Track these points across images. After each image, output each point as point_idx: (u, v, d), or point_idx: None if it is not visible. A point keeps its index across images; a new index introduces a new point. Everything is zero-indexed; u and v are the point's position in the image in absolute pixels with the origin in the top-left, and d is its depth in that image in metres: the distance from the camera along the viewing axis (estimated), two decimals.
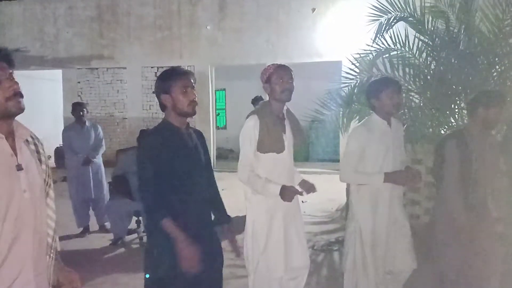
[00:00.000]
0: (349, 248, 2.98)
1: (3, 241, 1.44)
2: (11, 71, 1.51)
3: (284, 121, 2.76)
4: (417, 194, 5.23)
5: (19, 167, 1.49)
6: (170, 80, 2.20)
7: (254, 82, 12.14)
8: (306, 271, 2.88)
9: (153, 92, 10.44)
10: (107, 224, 5.36)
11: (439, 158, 3.03)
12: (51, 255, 1.63)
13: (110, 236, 5.10)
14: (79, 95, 11.12)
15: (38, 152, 1.62)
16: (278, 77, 2.68)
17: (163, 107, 2.27)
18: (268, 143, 2.66)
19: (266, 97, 6.69)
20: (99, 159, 5.54)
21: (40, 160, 1.61)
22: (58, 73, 11.45)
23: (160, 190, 2.14)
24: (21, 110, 1.51)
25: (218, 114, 13.44)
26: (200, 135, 2.43)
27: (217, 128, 12.47)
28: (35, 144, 1.63)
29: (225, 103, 14.08)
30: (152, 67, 10.81)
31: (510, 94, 4.84)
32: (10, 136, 1.53)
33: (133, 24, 10.94)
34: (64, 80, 11.38)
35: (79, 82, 11.26)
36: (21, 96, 1.51)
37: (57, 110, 11.57)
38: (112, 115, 11.19)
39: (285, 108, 2.80)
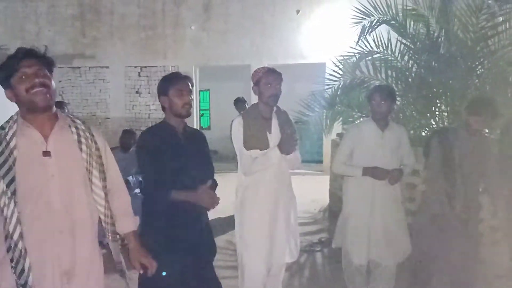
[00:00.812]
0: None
1: (26, 219, 1.66)
2: (39, 67, 1.74)
3: (270, 121, 2.88)
4: (414, 191, 5.26)
5: (46, 154, 1.72)
6: (168, 83, 2.45)
7: (239, 83, 12.16)
8: (283, 267, 3.05)
9: (136, 92, 10.27)
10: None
11: (427, 153, 3.29)
12: (112, 238, 1.93)
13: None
14: (60, 94, 10.94)
15: (79, 141, 1.82)
16: (267, 82, 2.80)
17: (163, 108, 2.50)
18: (251, 140, 2.80)
19: (248, 99, 6.73)
20: None
21: (80, 148, 1.81)
22: None
23: (158, 178, 2.36)
24: (44, 101, 1.73)
25: (202, 114, 13.39)
26: (199, 136, 2.65)
27: (201, 128, 12.43)
28: (78, 134, 1.83)
29: (209, 104, 14.03)
30: (135, 67, 10.72)
31: (491, 94, 4.94)
32: (48, 126, 1.77)
33: (116, 23, 10.82)
34: None
35: (60, 81, 11.08)
36: (45, 87, 1.73)
37: None
38: (95, 114, 11.06)
39: (275, 109, 2.92)
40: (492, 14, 4.87)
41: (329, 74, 5.97)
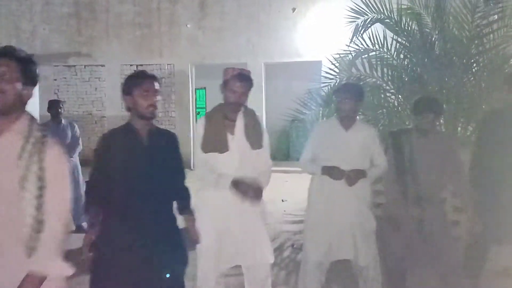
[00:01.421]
0: None
1: None
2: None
3: (235, 122, 2.75)
4: None
5: None
6: (133, 82, 2.31)
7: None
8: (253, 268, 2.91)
9: None
10: (84, 224, 5.29)
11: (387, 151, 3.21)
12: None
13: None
14: (55, 93, 10.91)
15: (20, 153, 1.63)
16: (232, 88, 2.66)
17: (128, 108, 2.36)
18: (209, 142, 2.71)
19: (249, 96, 6.63)
20: (75, 158, 5.45)
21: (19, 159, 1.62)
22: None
23: (90, 191, 2.26)
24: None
25: (199, 113, 13.38)
26: (169, 139, 2.45)
27: None
28: (22, 147, 1.66)
29: (206, 102, 14.02)
30: (131, 65, 10.69)
31: (486, 93, 4.97)
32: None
33: (112, 21, 10.79)
34: (40, 78, 11.10)
35: (55, 80, 11.05)
36: None
37: (33, 108, 11.30)
38: (90, 113, 11.03)
39: (242, 109, 2.78)
40: (487, 12, 4.89)
41: (325, 72, 5.97)
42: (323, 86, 5.85)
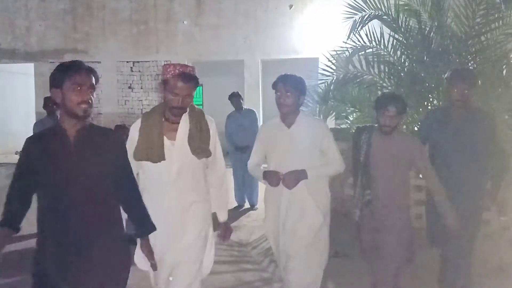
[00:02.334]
0: None
1: None
2: None
3: (177, 125, 2.36)
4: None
5: None
6: (64, 73, 1.91)
7: (232, 78, 12.15)
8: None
9: (129, 87, 10.17)
10: None
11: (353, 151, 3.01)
12: None
13: None
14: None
15: None
16: (172, 90, 2.26)
17: (54, 103, 2.09)
18: (142, 149, 2.31)
19: (242, 94, 6.58)
20: None
21: None
22: (30, 67, 11.17)
23: (18, 197, 1.98)
24: None
25: None
26: (109, 140, 2.08)
27: None
28: None
29: (202, 99, 14.01)
30: (127, 62, 10.66)
31: (482, 91, 4.98)
32: None
33: (108, 18, 10.75)
34: (36, 74, 11.11)
35: None
36: None
37: (29, 105, 11.29)
38: None
39: (187, 109, 2.39)
40: (489, 9, 4.89)
41: (322, 69, 5.97)
42: (320, 83, 5.85)
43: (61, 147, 1.94)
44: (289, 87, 2.70)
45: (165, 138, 2.33)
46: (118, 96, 10.78)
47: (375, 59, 5.46)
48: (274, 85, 2.79)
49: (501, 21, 4.96)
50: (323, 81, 5.79)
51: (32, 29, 11.01)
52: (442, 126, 2.97)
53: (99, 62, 10.81)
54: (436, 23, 5.22)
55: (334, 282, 3.58)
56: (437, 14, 5.21)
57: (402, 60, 5.48)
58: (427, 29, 5.26)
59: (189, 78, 2.27)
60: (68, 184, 1.92)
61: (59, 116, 2.02)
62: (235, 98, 6.11)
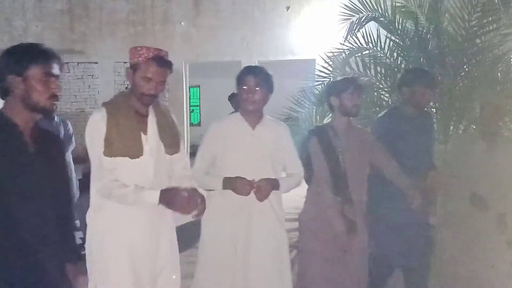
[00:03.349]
0: None
1: None
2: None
3: (147, 118, 2.13)
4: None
5: None
6: (29, 59, 1.61)
7: (229, 79, 12.16)
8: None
9: (126, 88, 10.17)
10: (77, 222, 5.26)
11: (306, 156, 2.72)
12: None
13: (80, 234, 5.00)
14: None
15: None
16: (145, 75, 2.04)
17: (3, 92, 1.64)
18: (117, 144, 2.01)
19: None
20: (68, 156, 5.42)
21: None
22: None
23: None
24: None
25: (193, 111, 13.37)
26: (54, 136, 1.88)
27: (191, 125, 12.39)
28: None
29: (200, 100, 14.00)
30: (125, 63, 10.62)
31: (479, 92, 5.00)
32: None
33: (105, 18, 10.73)
34: None
35: None
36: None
37: None
38: (83, 110, 10.96)
39: (153, 103, 2.17)
40: (485, 11, 4.91)
41: (319, 70, 5.98)
42: (317, 85, 5.86)
43: (16, 147, 1.62)
44: (259, 81, 2.36)
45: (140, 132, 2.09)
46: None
47: (372, 61, 5.47)
48: (241, 78, 2.41)
49: (495, 24, 4.98)
50: (320, 82, 5.80)
51: (28, 29, 10.99)
52: (401, 126, 2.86)
53: (96, 63, 10.81)
54: (432, 25, 5.24)
55: None
56: (434, 16, 5.23)
57: (399, 62, 5.49)
58: (424, 31, 5.28)
59: (164, 62, 2.09)
60: (30, 193, 1.63)
61: (3, 106, 1.68)
62: (234, 99, 6.10)
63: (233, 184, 2.32)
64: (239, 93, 2.44)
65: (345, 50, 5.66)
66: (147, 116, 2.13)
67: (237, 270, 2.39)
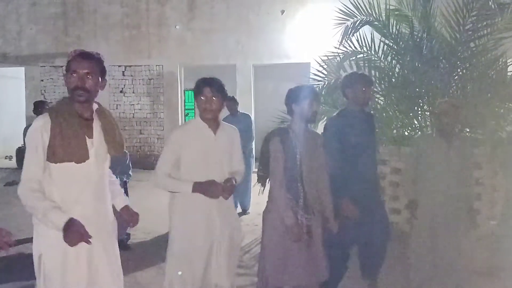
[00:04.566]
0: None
1: None
2: None
3: (91, 122, 2.15)
4: (397, 189, 5.33)
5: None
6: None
7: (224, 83, 12.15)
8: None
9: (120, 91, 10.18)
10: None
11: (266, 155, 2.86)
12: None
13: None
14: (42, 93, 10.80)
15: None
16: (71, 67, 2.06)
17: None
18: (63, 149, 2.01)
19: (238, 97, 6.52)
20: None
21: None
22: (20, 71, 11.09)
23: None
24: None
25: (187, 114, 13.34)
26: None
27: None
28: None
29: (194, 104, 13.99)
30: (119, 66, 10.62)
31: (471, 96, 5.04)
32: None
33: (100, 22, 10.71)
34: (27, 78, 11.04)
35: (42, 80, 10.94)
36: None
37: (19, 109, 11.20)
38: None
39: (96, 107, 2.22)
40: (479, 15, 4.95)
41: (314, 74, 6.01)
42: None
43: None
44: (215, 91, 2.61)
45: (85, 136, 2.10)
46: (109, 101, 10.73)
47: (366, 65, 5.50)
48: (199, 89, 2.64)
49: (489, 28, 5.03)
50: (315, 86, 5.82)
51: (23, 33, 10.95)
52: (351, 127, 3.12)
53: None
54: (426, 29, 5.28)
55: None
56: (427, 20, 5.27)
57: (393, 66, 5.53)
58: (418, 34, 5.32)
59: (87, 54, 2.11)
60: None
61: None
62: (230, 102, 6.11)
63: (205, 187, 2.52)
64: (197, 102, 2.67)
65: (339, 54, 5.69)
66: (91, 120, 2.15)
67: (205, 260, 2.60)
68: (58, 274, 2.02)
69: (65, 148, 2.01)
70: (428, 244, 3.22)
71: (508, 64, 5.17)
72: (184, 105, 11.51)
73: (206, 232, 2.60)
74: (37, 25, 10.89)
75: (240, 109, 6.26)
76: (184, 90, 11.16)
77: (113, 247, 2.23)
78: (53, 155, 2.00)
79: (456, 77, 5.23)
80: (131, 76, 10.66)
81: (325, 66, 5.87)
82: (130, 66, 10.58)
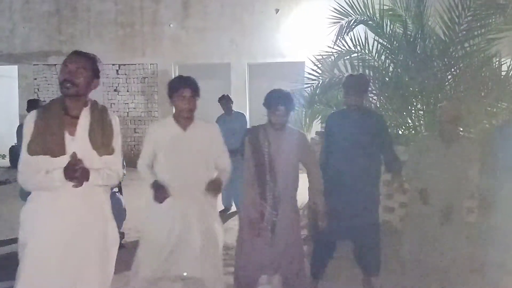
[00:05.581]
0: None
1: None
2: None
3: (77, 120, 2.19)
4: (391, 188, 5.35)
5: None
6: None
7: (218, 81, 12.15)
8: None
9: (114, 90, 10.11)
10: None
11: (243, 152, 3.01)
12: None
13: None
14: (35, 92, 10.73)
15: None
16: (64, 63, 2.17)
17: None
18: (39, 142, 2.09)
19: (232, 96, 6.54)
20: None
21: None
22: (13, 69, 11.01)
23: None
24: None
25: None
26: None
27: None
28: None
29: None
30: (113, 65, 10.57)
31: (464, 95, 5.06)
32: None
33: (93, 20, 10.66)
34: (20, 76, 10.96)
35: (35, 79, 10.87)
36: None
37: (12, 108, 11.11)
38: None
39: (88, 104, 2.25)
40: (475, 15, 4.97)
41: (308, 73, 6.02)
42: (306, 87, 5.89)
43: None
44: (194, 91, 2.74)
45: (65, 132, 2.15)
46: (103, 99, 10.68)
47: (360, 64, 5.52)
48: (176, 89, 2.76)
49: (483, 29, 5.06)
50: (309, 85, 5.83)
51: (16, 31, 10.86)
52: (341, 127, 3.24)
53: None
54: (420, 29, 5.30)
55: (327, 283, 3.60)
56: (421, 19, 5.28)
57: (387, 65, 5.55)
58: (412, 34, 5.34)
59: (83, 53, 2.22)
60: None
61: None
62: (224, 101, 6.11)
63: (154, 190, 2.70)
64: (173, 101, 2.78)
65: (334, 53, 5.70)
66: (78, 117, 2.20)
67: (171, 250, 2.75)
68: (40, 262, 2.07)
69: (40, 142, 2.09)
70: (419, 243, 3.25)
71: (502, 63, 5.20)
72: None
73: (175, 224, 2.72)
74: (30, 23, 10.81)
75: (235, 108, 6.26)
76: None
77: (97, 243, 2.21)
78: (30, 148, 2.10)
79: (450, 76, 5.25)
80: (125, 74, 10.62)
81: (319, 65, 5.88)
82: (124, 64, 10.54)
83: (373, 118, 3.35)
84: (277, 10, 9.94)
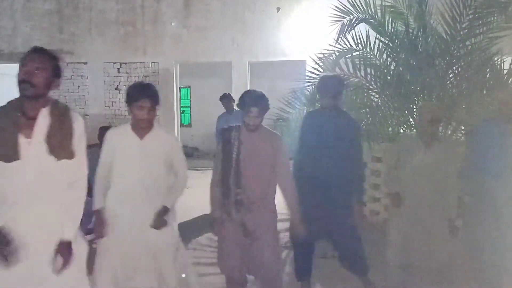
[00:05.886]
0: None
1: None
2: None
3: (34, 121, 2.05)
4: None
5: None
6: None
7: (220, 80, 12.16)
8: None
9: (116, 89, 10.13)
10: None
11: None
12: None
13: None
14: None
15: None
16: (23, 63, 2.04)
17: None
18: None
19: (233, 95, 6.53)
20: None
21: None
22: (15, 68, 10.98)
23: None
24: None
25: (183, 111, 13.33)
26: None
27: (182, 125, 12.36)
28: None
29: (190, 101, 13.97)
30: (114, 63, 10.58)
31: (466, 94, 5.06)
32: None
33: (95, 19, 10.66)
34: None
35: None
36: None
37: None
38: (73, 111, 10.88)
39: (49, 106, 2.12)
40: (476, 14, 4.96)
41: (310, 71, 6.01)
42: (308, 86, 5.89)
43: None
44: (154, 102, 2.66)
45: (20, 135, 2.00)
46: (104, 98, 10.69)
47: (362, 62, 5.51)
48: (135, 99, 2.65)
49: (485, 27, 5.04)
50: (311, 83, 5.83)
51: (17, 30, 10.87)
52: (313, 127, 3.28)
53: (85, 63, 10.73)
54: (422, 27, 5.29)
55: (322, 283, 3.60)
56: (423, 17, 5.28)
57: (388, 63, 5.54)
58: (414, 32, 5.33)
59: (42, 50, 2.08)
60: None
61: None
62: (226, 99, 6.11)
63: (96, 219, 2.67)
64: (131, 110, 2.67)
65: (335, 52, 5.70)
66: (36, 119, 2.05)
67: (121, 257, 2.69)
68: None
69: None
70: (403, 246, 3.24)
71: (503, 61, 5.19)
72: (180, 102, 11.50)
73: (132, 233, 2.67)
74: (32, 22, 10.82)
75: (236, 106, 6.26)
76: (179, 87, 11.15)
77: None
78: None
79: (451, 74, 5.24)
80: (127, 73, 10.63)
81: (320, 64, 5.87)
82: (126, 63, 10.55)
83: (346, 122, 3.31)
84: (278, 9, 9.93)
